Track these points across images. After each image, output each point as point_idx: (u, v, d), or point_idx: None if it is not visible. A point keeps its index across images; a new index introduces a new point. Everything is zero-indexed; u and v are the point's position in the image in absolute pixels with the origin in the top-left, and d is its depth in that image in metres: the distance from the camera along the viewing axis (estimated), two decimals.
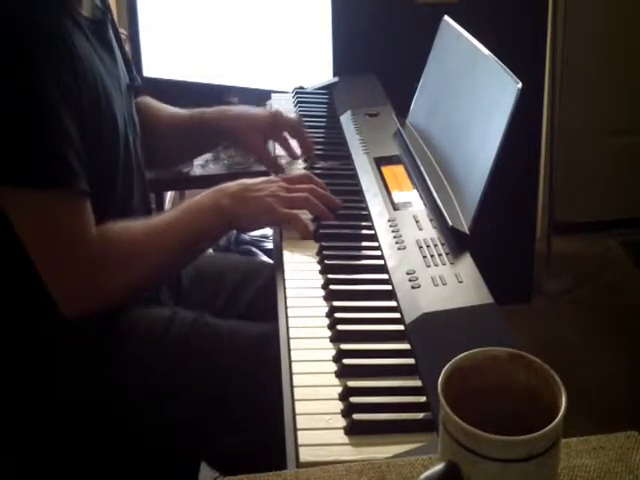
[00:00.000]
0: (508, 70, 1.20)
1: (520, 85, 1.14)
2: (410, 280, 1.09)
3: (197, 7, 2.15)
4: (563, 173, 2.82)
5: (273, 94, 1.87)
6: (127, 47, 1.47)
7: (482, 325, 0.99)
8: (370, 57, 2.16)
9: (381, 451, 0.82)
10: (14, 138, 1.10)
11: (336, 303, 1.07)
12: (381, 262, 1.17)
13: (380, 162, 1.45)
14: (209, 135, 1.55)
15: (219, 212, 1.23)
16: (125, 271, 1.18)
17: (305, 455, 0.82)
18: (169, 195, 2.71)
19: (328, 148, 1.59)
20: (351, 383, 0.91)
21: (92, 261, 1.16)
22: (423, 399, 0.89)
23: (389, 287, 1.11)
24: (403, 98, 1.61)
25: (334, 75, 1.99)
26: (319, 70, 2.02)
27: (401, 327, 1.02)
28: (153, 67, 2.20)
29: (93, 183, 1.16)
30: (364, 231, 1.27)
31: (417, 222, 1.23)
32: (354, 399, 0.89)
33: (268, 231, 2.14)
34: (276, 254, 1.26)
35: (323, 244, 1.21)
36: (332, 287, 1.11)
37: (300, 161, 1.54)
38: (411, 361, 0.95)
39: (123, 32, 1.51)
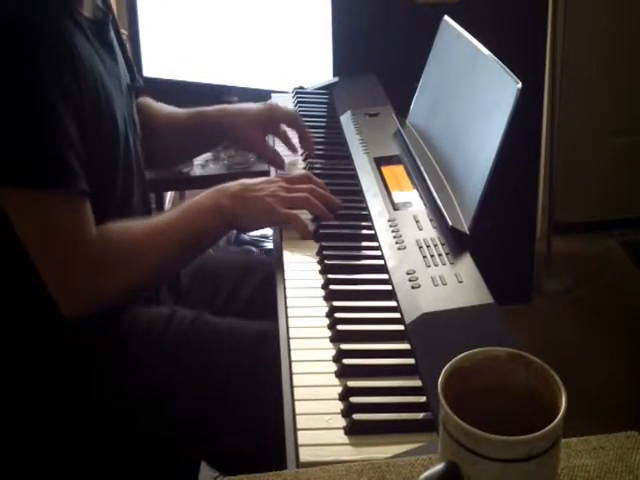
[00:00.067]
0: (508, 70, 1.20)
1: (520, 85, 1.14)
2: (410, 280, 1.09)
3: (197, 7, 2.15)
4: (563, 173, 2.82)
5: (273, 94, 1.87)
6: (127, 47, 1.47)
7: (482, 325, 0.99)
8: (370, 57, 2.16)
9: (381, 451, 0.82)
10: (14, 138, 1.10)
11: (336, 303, 1.07)
12: (381, 262, 1.17)
13: (380, 162, 1.45)
14: (208, 134, 1.55)
15: (219, 212, 1.23)
16: (125, 271, 1.18)
17: (305, 455, 0.82)
18: (169, 195, 2.71)
19: (328, 148, 1.59)
20: (351, 383, 0.91)
21: (92, 261, 1.16)
22: (423, 399, 0.89)
23: (389, 287, 1.11)
24: (403, 98, 1.61)
25: (334, 75, 1.99)
26: (319, 70, 2.02)
27: (401, 327, 1.02)
28: (153, 67, 2.20)
29: (93, 183, 1.16)
30: (364, 231, 1.27)
31: (417, 222, 1.23)
32: (354, 399, 0.89)
33: (268, 231, 2.14)
34: (276, 254, 1.26)
35: (323, 244, 1.21)
36: (332, 287, 1.11)
37: (300, 161, 1.54)
38: (411, 361, 0.95)
39: (123, 32, 1.51)
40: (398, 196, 1.32)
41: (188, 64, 2.19)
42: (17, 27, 1.10)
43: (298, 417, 0.87)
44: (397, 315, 1.04)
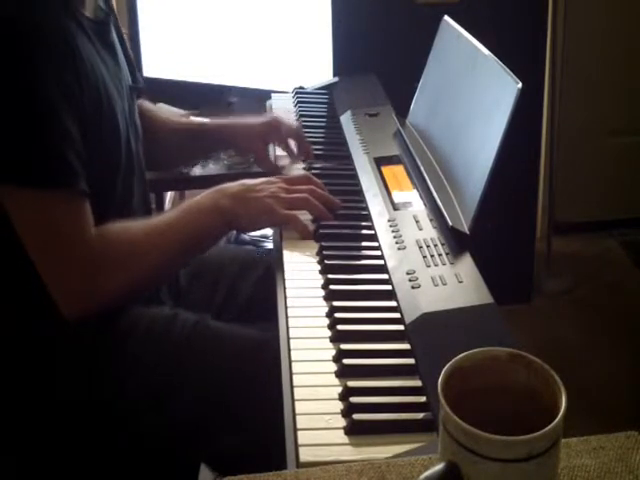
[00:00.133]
0: (508, 70, 1.20)
1: (520, 85, 1.14)
2: (410, 280, 1.09)
3: (197, 7, 2.15)
4: (563, 173, 2.82)
5: (273, 94, 1.87)
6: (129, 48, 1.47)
7: (482, 325, 0.99)
8: (370, 57, 2.16)
9: (381, 451, 0.82)
10: (14, 137, 1.10)
11: (336, 303, 1.07)
12: (381, 262, 1.17)
13: (380, 162, 1.45)
14: (207, 145, 1.57)
15: (219, 212, 1.23)
16: (125, 271, 1.18)
17: (305, 455, 0.82)
18: (169, 195, 2.70)
19: (328, 148, 1.59)
20: (351, 383, 0.91)
21: (91, 261, 1.16)
22: (423, 399, 0.89)
23: (389, 287, 1.11)
24: (403, 98, 1.61)
25: (334, 75, 1.99)
26: (319, 70, 2.02)
27: (401, 327, 1.02)
28: (153, 67, 2.20)
29: (93, 183, 1.16)
30: (364, 231, 1.27)
31: (417, 222, 1.23)
32: (354, 399, 0.89)
33: (268, 231, 2.14)
34: (276, 254, 1.26)
35: (323, 244, 1.21)
36: (332, 287, 1.11)
37: (300, 160, 1.54)
38: (411, 361, 0.95)
39: (124, 32, 1.51)
40: (398, 196, 1.32)
41: (188, 64, 2.19)
42: (17, 27, 1.10)
43: (298, 417, 0.87)
44: (397, 315, 1.04)
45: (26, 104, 1.10)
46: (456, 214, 1.20)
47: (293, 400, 0.90)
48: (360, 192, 1.38)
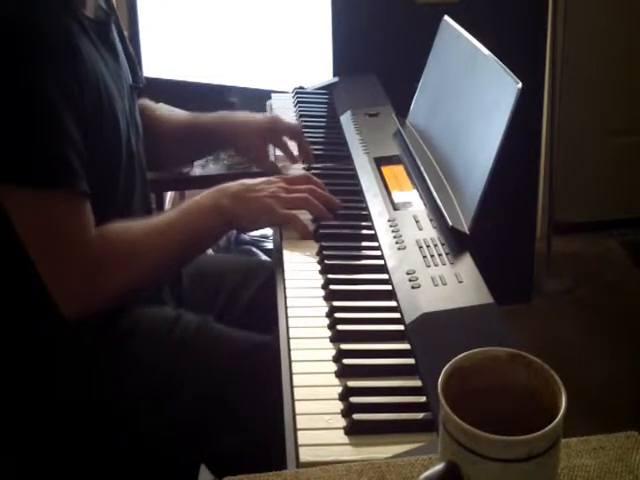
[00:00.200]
0: (508, 70, 1.20)
1: (520, 85, 1.14)
2: (410, 280, 1.09)
3: (197, 7, 2.15)
4: (563, 173, 2.82)
5: (273, 94, 1.87)
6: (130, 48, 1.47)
7: (482, 325, 0.99)
8: (370, 57, 2.16)
9: (381, 451, 0.82)
10: (15, 137, 1.10)
11: (336, 303, 1.07)
12: (381, 262, 1.17)
13: (380, 162, 1.45)
14: (208, 141, 1.56)
15: (219, 212, 1.23)
16: (125, 271, 1.18)
17: (305, 455, 0.82)
18: (169, 195, 2.71)
19: (328, 148, 1.59)
20: (351, 383, 0.91)
21: (91, 261, 1.16)
22: (423, 399, 0.89)
23: (389, 287, 1.11)
24: (403, 98, 1.61)
25: (334, 75, 1.99)
26: (319, 70, 2.02)
27: (401, 327, 1.02)
28: (153, 67, 2.20)
29: (94, 184, 1.16)
30: (364, 231, 1.27)
31: (417, 222, 1.23)
32: (354, 399, 0.89)
33: (268, 231, 2.14)
34: (276, 254, 1.26)
35: (323, 244, 1.21)
36: (332, 287, 1.11)
37: (299, 162, 1.54)
38: (411, 361, 0.95)
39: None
40: (398, 196, 1.32)
41: (188, 64, 2.19)
42: (17, 27, 1.10)
43: (298, 417, 0.87)
44: (397, 315, 1.04)
45: (26, 104, 1.10)
46: (456, 214, 1.20)
47: (293, 400, 0.90)
48: (360, 192, 1.38)
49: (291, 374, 0.94)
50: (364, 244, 1.25)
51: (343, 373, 0.94)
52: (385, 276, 1.13)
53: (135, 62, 1.44)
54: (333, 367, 0.95)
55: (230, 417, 1.19)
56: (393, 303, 1.07)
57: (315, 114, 1.76)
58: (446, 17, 1.52)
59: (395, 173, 1.40)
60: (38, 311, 1.19)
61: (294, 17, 2.05)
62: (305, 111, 1.75)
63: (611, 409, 2.10)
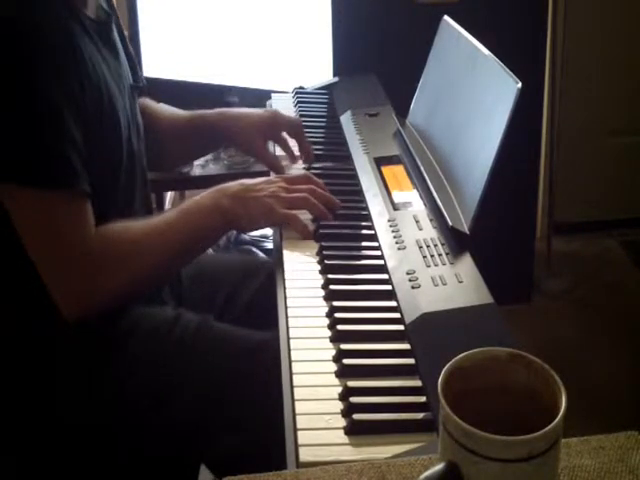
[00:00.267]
0: (508, 70, 1.20)
1: (520, 85, 1.14)
2: (410, 280, 1.09)
3: (197, 7, 2.15)
4: (563, 173, 2.82)
5: (273, 94, 1.87)
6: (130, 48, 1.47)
7: (482, 325, 0.99)
8: (370, 57, 2.16)
9: (381, 451, 0.82)
10: (16, 137, 1.10)
11: (336, 303, 1.07)
12: (381, 262, 1.17)
13: (380, 162, 1.45)
14: (209, 137, 1.56)
15: (219, 212, 1.23)
16: (125, 271, 1.18)
17: (305, 455, 0.82)
18: (169, 195, 2.71)
19: (328, 148, 1.59)
20: (351, 383, 0.91)
21: (91, 261, 1.16)
22: (423, 399, 0.89)
23: (389, 287, 1.11)
24: (403, 98, 1.61)
25: (334, 75, 1.99)
26: (319, 70, 2.02)
27: (401, 327, 1.02)
28: (153, 67, 2.20)
29: (95, 183, 1.16)
30: (364, 231, 1.27)
31: (417, 222, 1.23)
32: (354, 399, 0.89)
33: (268, 231, 2.14)
34: (276, 254, 1.26)
35: (323, 244, 1.21)
36: (332, 287, 1.11)
37: (300, 161, 1.54)
38: (411, 361, 0.95)
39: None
40: (398, 196, 1.32)
41: (188, 64, 2.19)
42: (17, 27, 1.10)
43: (298, 417, 0.87)
44: (397, 315, 1.04)
45: (27, 104, 1.10)
46: (456, 214, 1.20)
47: (293, 400, 0.90)
48: (360, 192, 1.38)
49: (291, 374, 0.94)
50: (364, 244, 1.25)
51: (343, 373, 0.94)
52: (385, 276, 1.13)
53: (135, 62, 1.44)
54: (333, 367, 0.95)
55: (230, 417, 1.19)
56: (393, 303, 1.07)
57: (315, 114, 1.76)
58: (446, 17, 1.52)
59: (395, 173, 1.40)
60: (38, 311, 1.19)
61: (294, 17, 2.05)
62: (305, 111, 1.75)
63: (611, 409, 2.10)
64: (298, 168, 1.51)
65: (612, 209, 3.00)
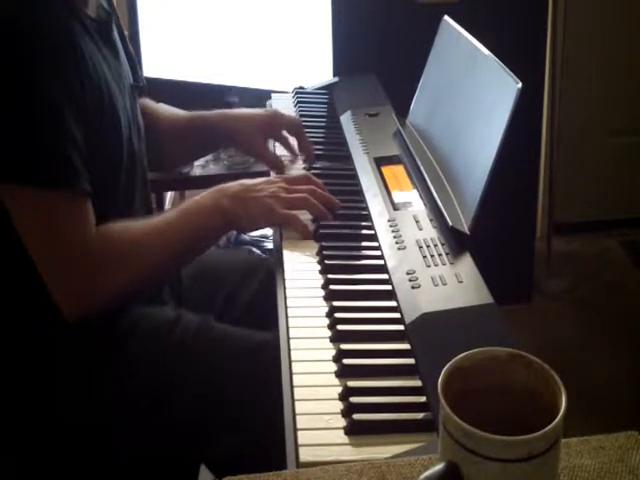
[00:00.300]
0: (508, 70, 1.20)
1: (520, 85, 1.14)
2: (410, 280, 1.09)
3: (197, 7, 2.15)
4: (563, 173, 2.82)
5: (273, 94, 1.87)
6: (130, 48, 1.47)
7: (482, 325, 0.99)
8: (370, 57, 2.16)
9: (381, 451, 0.82)
10: (16, 137, 1.10)
11: (336, 303, 1.07)
12: (381, 262, 1.17)
13: (380, 162, 1.45)
14: (210, 137, 1.56)
15: (219, 212, 1.23)
16: (125, 271, 1.18)
17: (305, 455, 0.82)
18: (169, 195, 2.71)
19: (328, 148, 1.59)
20: (351, 383, 0.91)
21: (92, 261, 1.16)
22: (423, 399, 0.89)
23: (389, 287, 1.11)
24: (403, 98, 1.61)
25: (334, 75, 1.99)
26: (319, 70, 2.02)
27: (401, 327, 1.02)
28: (153, 67, 2.20)
29: (95, 182, 1.16)
30: (364, 231, 1.27)
31: (417, 222, 1.23)
32: (354, 399, 0.89)
33: (268, 231, 2.14)
34: (276, 254, 1.26)
35: (323, 244, 1.21)
36: (332, 287, 1.11)
37: (300, 161, 1.54)
38: (411, 361, 0.95)
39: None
40: (398, 196, 1.32)
41: (188, 64, 2.19)
42: (17, 27, 1.10)
43: (298, 417, 0.87)
44: (397, 315, 1.04)
45: (27, 104, 1.10)
46: (456, 214, 1.20)
47: (293, 400, 0.90)
48: (360, 192, 1.38)
49: (291, 374, 0.94)
50: (364, 244, 1.25)
51: (343, 373, 0.94)
52: (385, 276, 1.13)
53: (135, 62, 1.45)
54: (333, 367, 0.95)
55: (230, 417, 1.19)
56: (393, 303, 1.07)
57: (315, 114, 1.76)
58: (446, 17, 1.52)
59: (395, 173, 1.40)
60: (38, 311, 1.19)
61: (294, 17, 2.05)
62: (305, 111, 1.75)
63: (611, 409, 2.10)
64: (298, 168, 1.51)
65: (612, 209, 3.00)
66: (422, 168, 1.34)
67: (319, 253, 1.20)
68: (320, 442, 0.84)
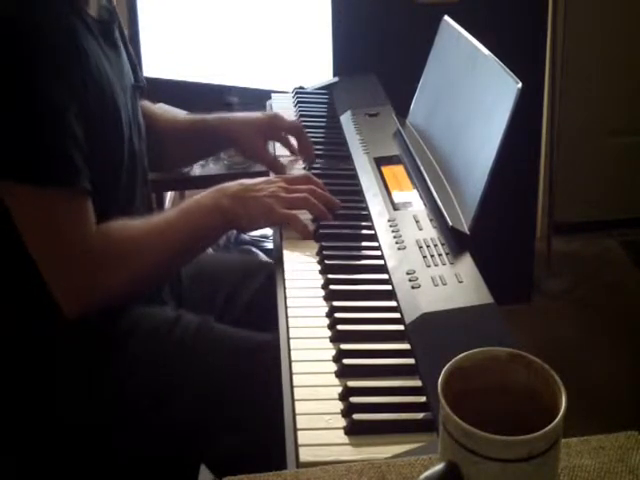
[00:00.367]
0: (508, 70, 1.20)
1: (520, 85, 1.14)
2: (410, 280, 1.09)
3: (197, 7, 2.15)
4: (563, 173, 2.82)
5: (273, 94, 1.87)
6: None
7: (482, 325, 0.99)
8: (370, 57, 2.16)
9: (381, 451, 0.82)
10: (17, 136, 1.10)
11: (336, 303, 1.07)
12: (381, 262, 1.17)
13: (380, 162, 1.45)
14: (211, 140, 1.57)
15: (219, 212, 1.23)
16: (125, 269, 1.18)
17: (305, 455, 0.82)
18: (169, 195, 2.71)
19: (328, 148, 1.59)
20: (351, 383, 0.91)
21: (92, 259, 1.16)
22: (423, 399, 0.89)
23: (389, 287, 1.11)
24: (403, 98, 1.61)
25: (334, 75, 1.99)
26: (319, 70, 2.02)
27: (401, 327, 1.02)
28: (153, 67, 2.20)
29: (96, 182, 1.16)
30: (364, 231, 1.27)
31: (417, 222, 1.23)
32: (354, 399, 0.89)
33: (268, 231, 2.14)
34: (276, 254, 1.26)
35: (323, 244, 1.21)
36: (332, 287, 1.11)
37: (300, 161, 1.54)
38: (411, 361, 0.95)
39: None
40: (398, 196, 1.32)
41: (188, 64, 2.19)
42: (17, 27, 1.10)
43: (298, 417, 0.87)
44: (397, 315, 1.04)
45: (27, 104, 1.10)
46: (456, 214, 1.20)
47: (293, 400, 0.90)
48: (360, 192, 1.38)
49: (291, 374, 0.94)
50: (364, 244, 1.25)
51: (343, 373, 0.94)
52: (385, 276, 1.13)
53: (136, 62, 1.45)
54: (333, 367, 0.95)
55: (230, 417, 1.19)
56: (393, 303, 1.07)
57: (315, 114, 1.76)
58: (446, 17, 1.52)
59: (395, 173, 1.40)
60: (38, 311, 1.19)
61: (294, 17, 2.05)
62: (305, 111, 1.75)
63: (611, 409, 2.10)
64: (298, 168, 1.51)
65: (612, 209, 3.00)
66: (422, 168, 1.34)
67: (319, 253, 1.20)
68: (320, 442, 0.84)
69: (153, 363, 1.23)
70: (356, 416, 0.86)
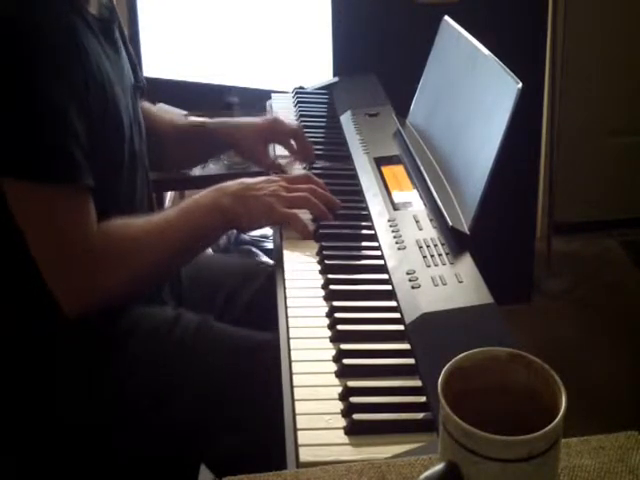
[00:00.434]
0: (508, 70, 1.20)
1: (520, 85, 1.14)
2: (410, 280, 1.09)
3: (197, 7, 2.15)
4: (563, 173, 2.82)
5: (273, 94, 1.87)
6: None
7: (482, 325, 0.99)
8: (370, 57, 2.16)
9: (381, 451, 0.82)
10: (18, 135, 1.10)
11: (336, 303, 1.07)
12: (381, 262, 1.17)
13: (380, 162, 1.45)
14: (211, 144, 1.57)
15: (219, 211, 1.23)
16: (125, 268, 1.18)
17: (305, 455, 0.82)
18: (169, 195, 2.71)
19: (328, 148, 1.59)
20: (351, 383, 0.91)
21: (92, 258, 1.16)
22: (423, 399, 0.89)
23: (389, 287, 1.11)
24: (403, 98, 1.61)
25: (334, 75, 1.99)
26: (319, 70, 2.02)
27: (401, 327, 1.02)
28: (153, 67, 2.20)
29: (97, 180, 1.16)
30: (364, 231, 1.27)
31: (417, 222, 1.23)
32: (354, 399, 0.89)
33: (268, 231, 2.14)
34: (276, 254, 1.26)
35: (323, 244, 1.21)
36: (332, 287, 1.11)
37: (301, 160, 1.54)
38: (411, 361, 0.95)
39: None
40: (398, 196, 1.32)
41: (188, 64, 2.19)
42: (17, 27, 1.10)
43: (298, 417, 0.87)
44: (397, 315, 1.04)
45: (27, 103, 1.10)
46: (456, 214, 1.20)
47: (293, 400, 0.90)
48: (360, 192, 1.38)
49: (291, 374, 0.94)
50: (364, 244, 1.25)
51: (343, 373, 0.94)
52: (385, 276, 1.13)
53: (136, 62, 1.45)
54: (333, 367, 0.95)
55: (230, 417, 1.19)
56: (393, 303, 1.07)
57: (315, 114, 1.76)
58: (446, 17, 1.52)
59: (395, 173, 1.40)
60: (38, 310, 1.19)
61: (294, 17, 2.05)
62: (305, 111, 1.75)
63: (611, 409, 2.10)
64: (298, 168, 1.51)
65: (612, 209, 3.00)
66: (422, 168, 1.34)
67: (319, 253, 1.20)
68: (320, 442, 0.84)
69: (153, 363, 1.23)
70: (356, 416, 0.86)
